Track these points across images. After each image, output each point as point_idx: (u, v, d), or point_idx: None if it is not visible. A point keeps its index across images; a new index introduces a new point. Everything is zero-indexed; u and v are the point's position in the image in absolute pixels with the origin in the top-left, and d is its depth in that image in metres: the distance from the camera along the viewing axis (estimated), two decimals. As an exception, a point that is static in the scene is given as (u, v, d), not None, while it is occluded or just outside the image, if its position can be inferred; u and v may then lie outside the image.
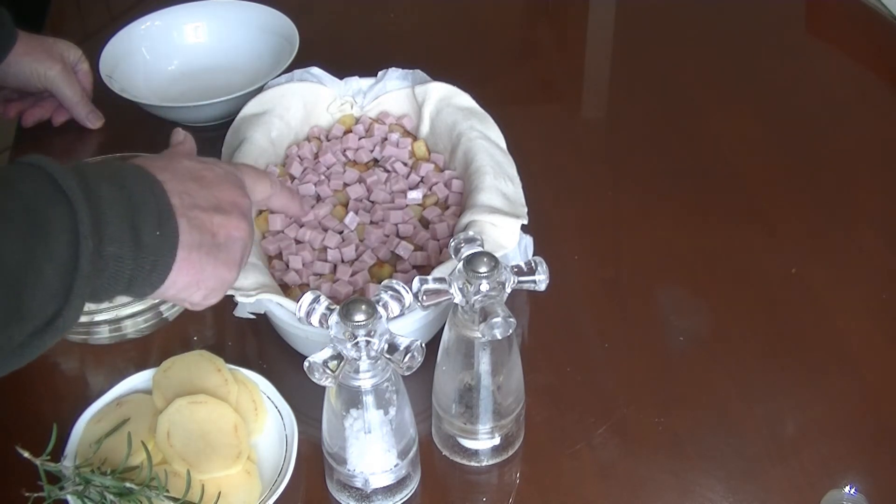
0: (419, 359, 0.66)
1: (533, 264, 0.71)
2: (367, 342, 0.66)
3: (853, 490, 0.74)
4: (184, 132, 0.84)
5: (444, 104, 0.99)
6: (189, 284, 0.68)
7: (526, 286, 0.71)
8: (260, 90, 1.03)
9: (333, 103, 1.03)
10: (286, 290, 0.86)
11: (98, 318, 0.83)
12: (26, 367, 0.64)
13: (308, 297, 0.68)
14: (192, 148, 0.82)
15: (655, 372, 0.86)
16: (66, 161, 0.98)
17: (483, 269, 0.68)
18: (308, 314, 0.68)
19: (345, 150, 1.00)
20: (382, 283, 0.69)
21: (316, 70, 1.04)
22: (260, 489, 0.75)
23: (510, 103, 1.14)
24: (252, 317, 0.85)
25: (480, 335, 0.70)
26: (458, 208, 0.93)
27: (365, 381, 0.68)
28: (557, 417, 0.82)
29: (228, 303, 0.84)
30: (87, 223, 0.60)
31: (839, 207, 1.02)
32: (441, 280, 0.70)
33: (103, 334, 0.86)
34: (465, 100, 1.00)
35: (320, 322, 0.68)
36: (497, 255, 0.71)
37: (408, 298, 0.68)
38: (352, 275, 0.87)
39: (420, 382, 0.77)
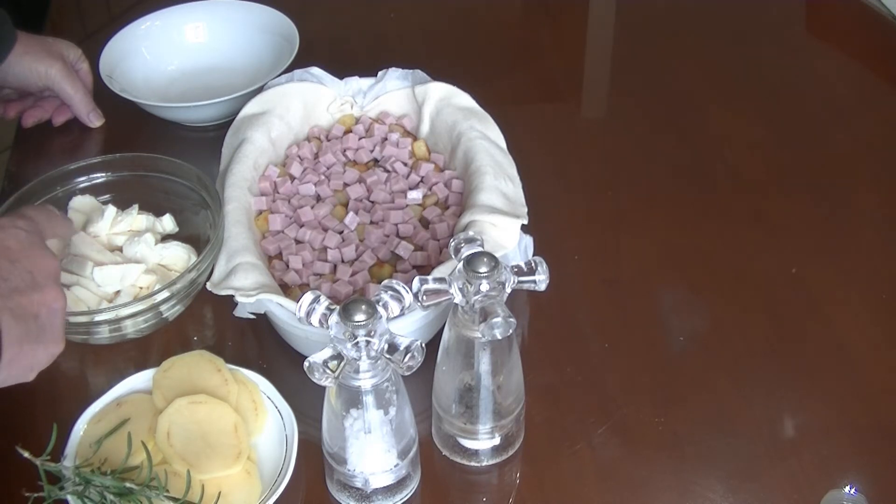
0: (419, 359, 0.66)
1: (533, 264, 0.71)
2: (367, 342, 0.66)
3: (853, 490, 0.74)
4: None
5: (444, 104, 0.99)
6: (23, 371, 0.67)
7: (526, 286, 0.71)
8: (260, 90, 1.03)
9: (333, 103, 1.03)
10: (286, 290, 0.87)
11: (98, 318, 0.83)
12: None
13: (308, 297, 0.68)
14: None
15: (655, 372, 0.86)
16: (65, 162, 0.99)
17: (483, 269, 0.68)
18: (308, 314, 0.68)
19: (345, 150, 1.00)
20: (382, 283, 0.69)
21: (316, 70, 1.04)
22: (260, 489, 0.75)
23: (510, 103, 1.14)
24: (252, 317, 0.85)
25: (480, 335, 0.70)
26: (458, 208, 0.93)
27: (365, 381, 0.68)
28: (557, 417, 0.82)
29: (228, 303, 0.85)
30: None
31: (839, 207, 1.02)
32: (441, 280, 0.70)
33: (103, 334, 0.86)
34: (465, 100, 1.00)
35: (320, 322, 0.68)
36: (497, 255, 0.71)
37: (408, 298, 0.68)
38: (352, 275, 0.87)
39: (420, 382, 0.77)
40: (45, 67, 1.07)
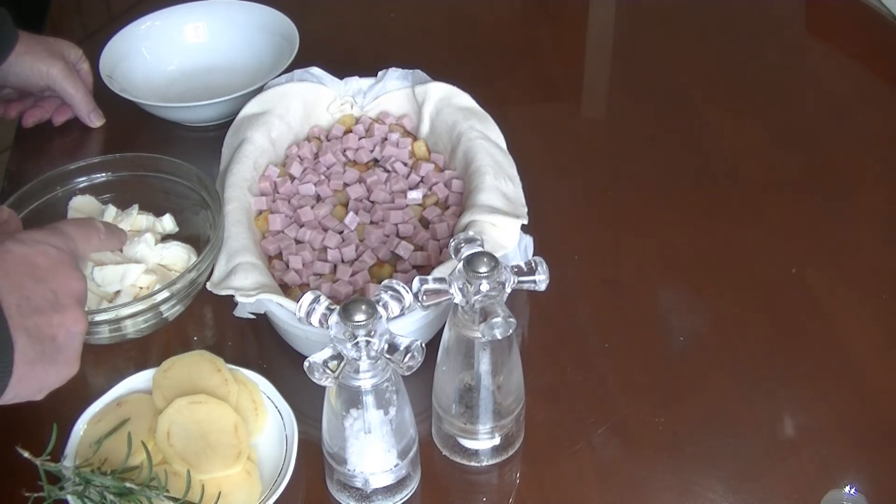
0: (419, 359, 0.66)
1: (533, 264, 0.71)
2: (367, 342, 0.66)
3: (853, 490, 0.74)
4: (8, 210, 0.79)
5: (444, 104, 0.99)
6: (32, 392, 0.66)
7: (526, 286, 0.71)
8: (260, 90, 1.03)
9: (333, 103, 1.03)
10: (286, 290, 0.87)
11: (98, 318, 0.83)
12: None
13: (308, 297, 0.68)
14: (18, 225, 0.78)
15: (655, 372, 0.86)
16: (65, 162, 0.99)
17: (483, 269, 0.68)
18: (308, 314, 0.68)
19: (345, 150, 1.00)
20: (382, 283, 0.69)
21: (316, 70, 1.04)
22: (260, 489, 0.75)
23: (510, 103, 1.14)
24: (252, 317, 0.85)
25: (480, 335, 0.70)
26: (458, 208, 0.93)
27: (365, 381, 0.68)
28: (557, 417, 0.82)
29: (228, 303, 0.85)
30: None
31: (839, 207, 1.02)
32: (441, 280, 0.70)
33: (103, 334, 0.86)
34: (465, 100, 1.00)
35: (320, 322, 0.68)
36: (497, 255, 0.71)
37: (408, 298, 0.68)
38: (352, 275, 0.87)
39: (420, 382, 0.77)
40: (46, 67, 1.08)
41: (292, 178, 0.97)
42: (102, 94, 1.12)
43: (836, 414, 0.82)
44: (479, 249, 0.70)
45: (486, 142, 0.95)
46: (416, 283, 0.70)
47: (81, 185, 0.97)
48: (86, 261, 0.86)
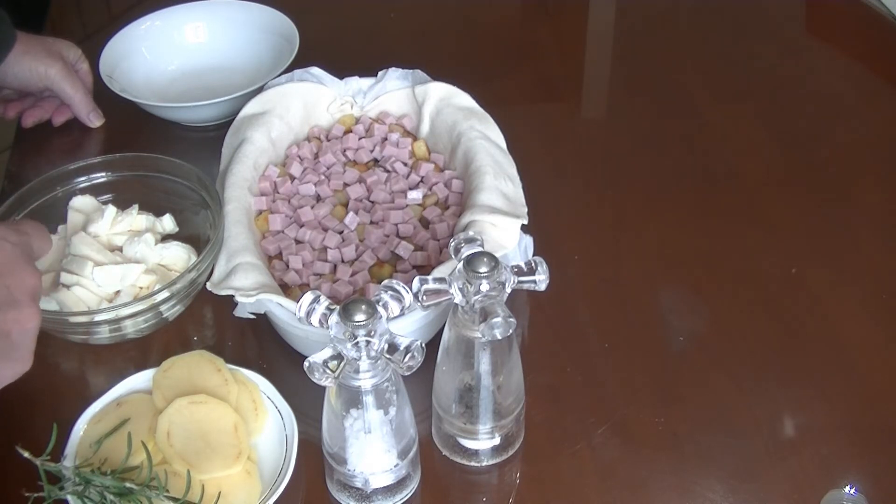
0: (419, 359, 0.66)
1: (533, 264, 0.71)
2: (367, 342, 0.66)
3: (853, 490, 0.74)
4: None
5: (444, 104, 0.99)
6: None
7: (526, 286, 0.71)
8: (260, 90, 1.03)
9: (333, 103, 1.03)
10: (286, 290, 0.87)
11: (98, 318, 0.83)
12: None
13: (308, 297, 0.68)
14: None
15: (655, 372, 0.86)
16: (65, 162, 0.99)
17: (483, 269, 0.68)
18: (308, 314, 0.68)
19: (345, 150, 1.00)
20: (382, 283, 0.69)
21: (316, 70, 1.04)
22: (260, 489, 0.75)
23: (510, 103, 1.14)
24: (252, 317, 0.85)
25: (480, 335, 0.70)
26: (458, 208, 0.93)
27: (365, 381, 0.68)
28: (557, 417, 0.82)
29: (228, 303, 0.85)
30: None
31: (839, 207, 1.02)
32: (441, 280, 0.70)
33: (103, 334, 0.86)
34: (465, 100, 1.00)
35: (320, 322, 0.68)
36: (497, 255, 0.71)
37: (408, 298, 0.68)
38: (352, 275, 0.87)
39: (420, 382, 0.77)
40: (44, 67, 1.07)
41: (292, 178, 0.97)
42: (102, 94, 1.12)
43: (836, 414, 0.82)
44: (479, 249, 0.70)
45: (486, 142, 0.95)
46: (416, 283, 0.70)
47: (81, 185, 0.97)
48: (40, 259, 0.85)
